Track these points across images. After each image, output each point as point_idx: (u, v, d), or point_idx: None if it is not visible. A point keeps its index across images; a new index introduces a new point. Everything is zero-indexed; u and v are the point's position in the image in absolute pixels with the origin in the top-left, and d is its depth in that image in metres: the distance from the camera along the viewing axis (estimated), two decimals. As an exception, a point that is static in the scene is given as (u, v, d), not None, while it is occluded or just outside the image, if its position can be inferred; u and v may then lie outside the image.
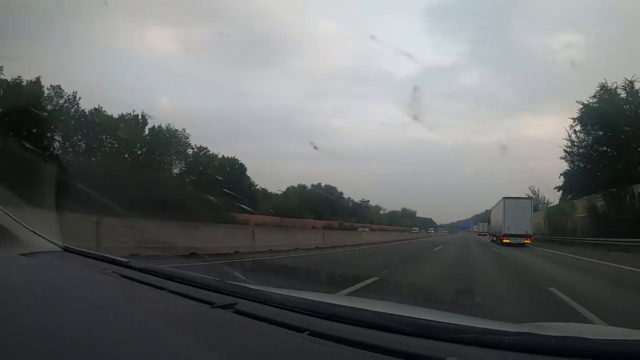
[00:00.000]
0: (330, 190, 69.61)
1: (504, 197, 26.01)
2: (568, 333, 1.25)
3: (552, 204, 38.86)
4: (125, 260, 1.97)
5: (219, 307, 1.31)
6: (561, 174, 32.18)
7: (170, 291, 1.52)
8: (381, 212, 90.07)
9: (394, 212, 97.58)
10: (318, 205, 57.75)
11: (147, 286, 1.61)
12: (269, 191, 57.74)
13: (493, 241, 30.76)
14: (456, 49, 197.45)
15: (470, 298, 4.36)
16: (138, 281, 1.66)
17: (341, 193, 72.28)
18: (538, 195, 47.56)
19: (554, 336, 1.08)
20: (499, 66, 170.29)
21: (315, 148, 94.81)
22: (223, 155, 47.86)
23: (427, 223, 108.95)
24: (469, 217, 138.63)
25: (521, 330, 1.15)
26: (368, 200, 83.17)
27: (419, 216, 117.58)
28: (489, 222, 40.49)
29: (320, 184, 70.98)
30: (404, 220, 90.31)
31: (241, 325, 1.21)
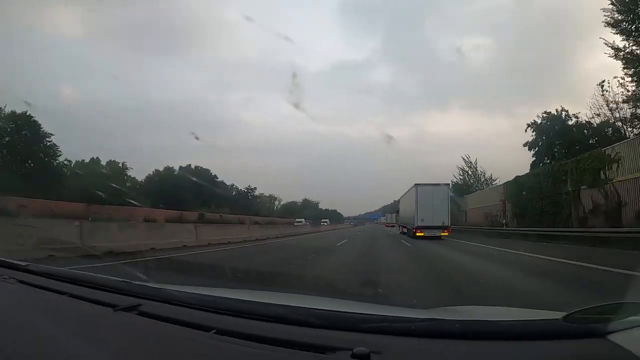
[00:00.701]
0: (203, 174, 58.24)
1: (416, 184, 21.51)
2: (474, 317, 1.36)
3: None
4: (23, 264, 1.91)
5: (122, 309, 1.28)
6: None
7: (72, 295, 1.48)
8: (276, 202, 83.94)
9: (293, 203, 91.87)
10: (189, 193, 49.18)
11: (47, 291, 1.56)
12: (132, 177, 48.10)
13: (403, 233, 26.68)
14: (369, 44, 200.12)
15: (374, 288, 4.32)
16: (37, 286, 1.61)
17: (215, 177, 61.05)
18: (476, 169, 41.20)
19: (459, 320, 1.16)
20: (409, 64, 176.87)
21: (197, 138, 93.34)
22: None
23: (331, 215, 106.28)
24: (377, 208, 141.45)
25: (429, 317, 1.18)
26: (255, 188, 72.73)
27: (324, 208, 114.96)
28: (397, 212, 37.03)
29: (190, 165, 59.40)
30: (305, 212, 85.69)
31: (145, 327, 1.20)
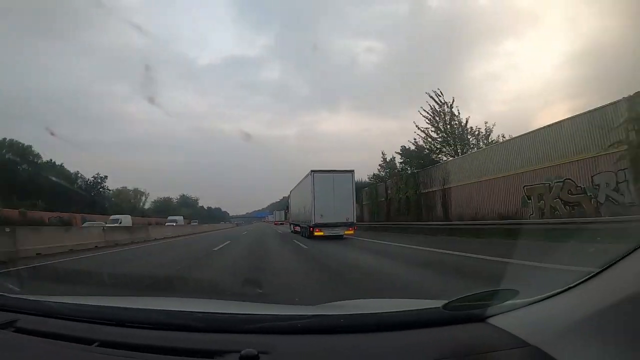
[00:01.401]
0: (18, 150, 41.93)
1: (312, 171, 17.06)
2: (359, 310, 1.35)
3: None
4: None
5: None
6: None
7: None
8: (143, 198, 70.54)
9: (168, 200, 79.50)
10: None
11: None
12: None
13: (296, 232, 22.18)
14: (260, 41, 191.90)
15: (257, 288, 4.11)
16: None
17: (37, 157, 44.72)
18: (385, 160, 31.01)
19: (344, 315, 1.21)
20: (300, 63, 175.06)
21: (52, 134, 79.67)
22: None
23: (215, 214, 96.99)
24: (265, 206, 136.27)
25: (316, 313, 1.24)
26: (105, 177, 55.30)
27: (208, 206, 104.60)
28: (287, 208, 32.49)
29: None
30: (182, 210, 74.92)
31: (23, 345, 1.09)
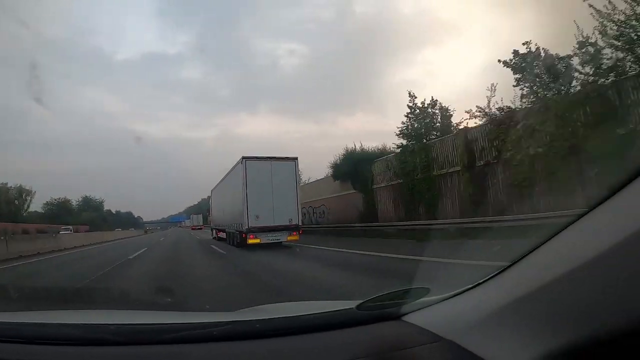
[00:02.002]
0: None
1: (243, 157, 12.95)
2: (275, 314, 1.33)
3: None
4: None
5: None
6: None
7: None
8: (28, 198, 53.62)
9: (66, 201, 63.50)
10: None
11: None
12: None
13: (220, 239, 17.88)
14: (181, 39, 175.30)
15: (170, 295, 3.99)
16: None
17: None
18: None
19: (259, 320, 1.17)
20: (222, 63, 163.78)
21: None
22: None
23: (124, 218, 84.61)
24: (182, 209, 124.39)
25: (232, 319, 1.22)
26: None
27: (115, 210, 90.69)
28: (208, 211, 27.62)
29: None
30: (83, 214, 62.96)
31: None
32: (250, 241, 12.09)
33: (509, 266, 0.88)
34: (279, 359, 0.99)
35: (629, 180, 0.63)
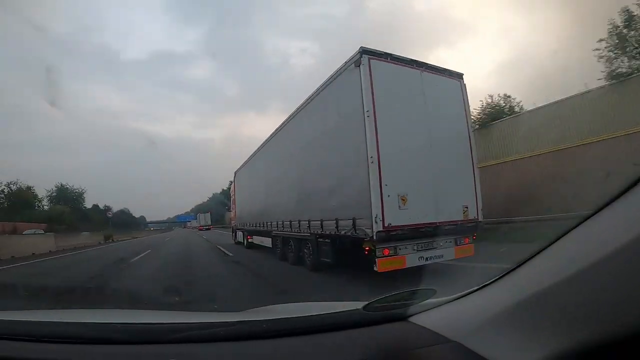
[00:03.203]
0: None
1: (363, 50, 5.01)
2: (282, 314, 1.33)
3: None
4: None
5: None
6: None
7: None
8: None
9: (22, 190, 42.31)
10: None
11: None
12: None
13: (251, 247, 11.33)
14: (190, 36, 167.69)
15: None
16: None
17: None
18: None
19: (266, 320, 1.16)
20: (231, 62, 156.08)
21: None
22: None
23: (120, 218, 71.71)
24: (190, 209, 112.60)
25: (239, 319, 1.22)
26: None
27: (112, 206, 79.29)
28: (230, 205, 19.72)
29: None
30: (56, 208, 44.59)
31: None
32: (384, 265, 4.54)
33: (515, 268, 0.87)
34: (285, 358, 0.98)
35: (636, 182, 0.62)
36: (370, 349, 0.98)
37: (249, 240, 12.21)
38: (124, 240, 31.28)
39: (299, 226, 6.99)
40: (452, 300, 1.06)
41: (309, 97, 6.62)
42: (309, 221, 6.54)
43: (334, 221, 5.49)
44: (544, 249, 0.79)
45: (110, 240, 29.33)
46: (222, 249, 13.49)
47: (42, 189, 47.66)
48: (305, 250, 6.84)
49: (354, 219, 4.96)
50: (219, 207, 59.00)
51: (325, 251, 6.02)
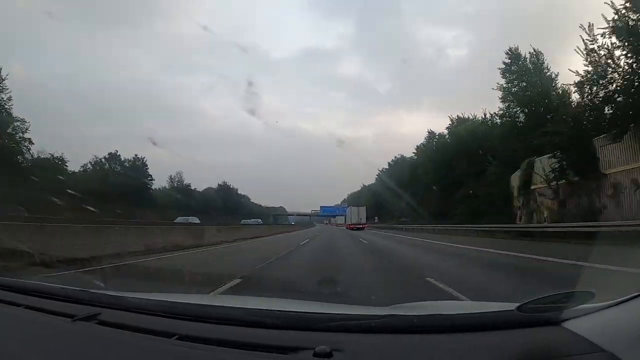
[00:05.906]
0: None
1: None
2: (432, 311, 1.34)
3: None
4: None
5: (80, 319, 1.22)
6: None
7: (27, 307, 1.39)
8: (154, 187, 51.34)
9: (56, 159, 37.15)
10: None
11: (0, 304, 1.44)
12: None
13: None
14: (338, 30, 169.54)
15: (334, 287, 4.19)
16: None
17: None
18: None
19: (417, 315, 1.18)
20: (381, 55, 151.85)
21: (154, 144, 79.84)
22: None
23: (260, 213, 65.02)
24: (340, 200, 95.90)
25: (387, 313, 1.22)
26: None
27: (265, 204, 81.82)
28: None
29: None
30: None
31: (105, 336, 1.14)
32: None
33: None
34: (435, 354, 0.98)
35: None
36: (520, 352, 0.94)
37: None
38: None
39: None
40: (610, 307, 1.01)
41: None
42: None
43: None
44: None
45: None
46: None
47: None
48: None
49: None
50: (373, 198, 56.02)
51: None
